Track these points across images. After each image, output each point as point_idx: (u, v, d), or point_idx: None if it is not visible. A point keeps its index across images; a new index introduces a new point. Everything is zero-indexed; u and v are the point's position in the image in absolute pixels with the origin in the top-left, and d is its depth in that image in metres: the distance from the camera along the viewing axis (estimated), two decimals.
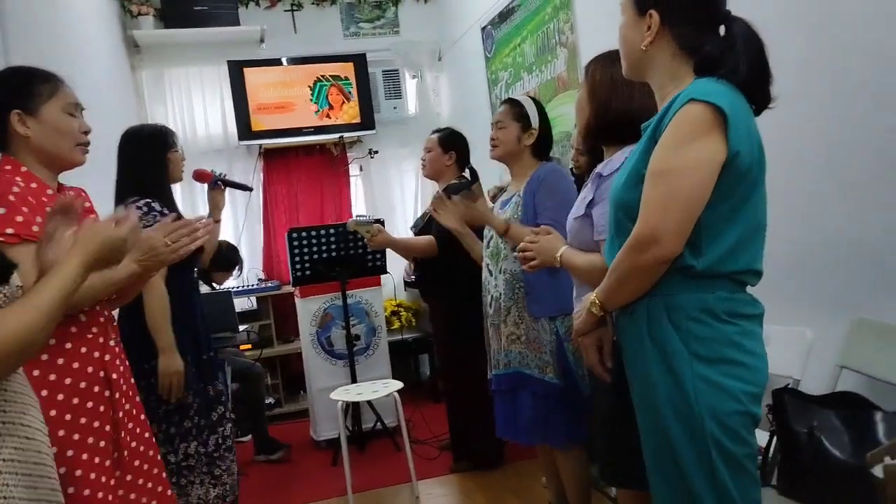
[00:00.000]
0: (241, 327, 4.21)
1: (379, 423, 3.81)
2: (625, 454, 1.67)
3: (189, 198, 4.66)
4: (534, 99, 2.62)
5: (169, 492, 1.78)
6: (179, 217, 2.28)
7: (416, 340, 4.85)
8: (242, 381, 3.81)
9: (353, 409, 3.79)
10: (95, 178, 2.09)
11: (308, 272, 3.78)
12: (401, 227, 5.00)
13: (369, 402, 3.68)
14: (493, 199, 3.20)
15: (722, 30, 1.37)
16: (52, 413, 1.44)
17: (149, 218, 2.30)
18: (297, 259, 3.76)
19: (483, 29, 4.48)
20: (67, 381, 1.50)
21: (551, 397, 2.31)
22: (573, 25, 3.41)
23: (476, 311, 3.03)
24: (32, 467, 1.08)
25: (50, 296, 1.07)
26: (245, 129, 4.80)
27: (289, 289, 4.41)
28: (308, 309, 3.99)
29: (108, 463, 1.55)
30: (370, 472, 3.49)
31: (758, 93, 1.35)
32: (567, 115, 3.55)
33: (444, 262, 3.14)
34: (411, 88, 5.35)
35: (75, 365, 1.53)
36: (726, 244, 1.31)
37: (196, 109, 4.89)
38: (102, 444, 1.54)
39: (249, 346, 4.29)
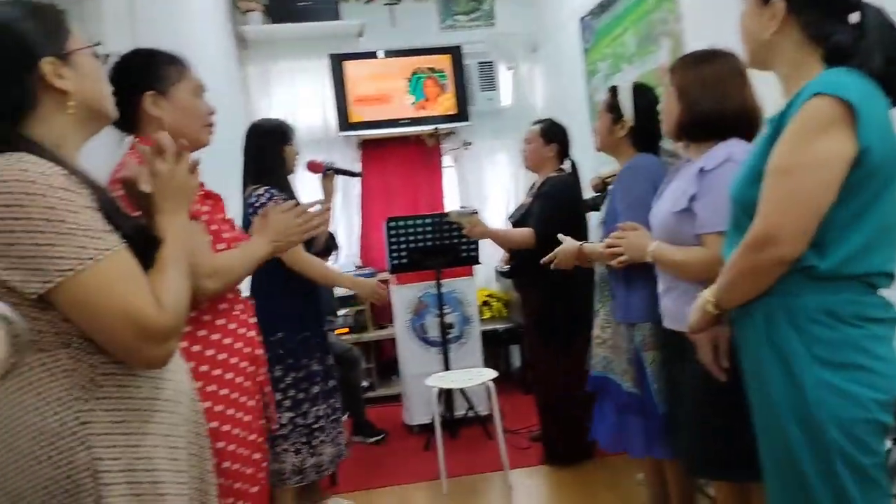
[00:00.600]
0: (340, 312, 4.37)
1: (471, 411, 3.87)
2: (720, 445, 1.66)
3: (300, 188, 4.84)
4: (641, 85, 2.52)
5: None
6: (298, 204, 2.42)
7: (507, 331, 4.88)
8: (340, 364, 3.95)
9: (445, 396, 3.87)
10: (207, 164, 2.21)
11: (405, 260, 3.87)
12: (492, 218, 5.03)
13: (462, 390, 3.74)
14: (596, 188, 3.19)
15: (853, 17, 1.31)
16: (202, 385, 1.50)
17: (271, 203, 2.45)
18: (395, 247, 3.85)
19: (582, 20, 4.43)
20: (221, 356, 1.58)
21: (629, 406, 2.26)
22: (678, 15, 3.33)
23: (568, 305, 3.04)
24: (193, 437, 1.19)
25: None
26: (344, 121, 4.94)
27: (384, 276, 4.53)
28: (403, 296, 4.09)
29: (251, 437, 1.63)
30: (462, 458, 3.55)
31: (895, 84, 1.29)
32: None
33: (541, 254, 3.15)
34: (506, 80, 5.36)
35: (226, 340, 1.60)
36: (854, 245, 1.26)
37: (298, 102, 5.08)
38: (248, 418, 1.62)
39: (346, 330, 4.44)
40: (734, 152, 1.73)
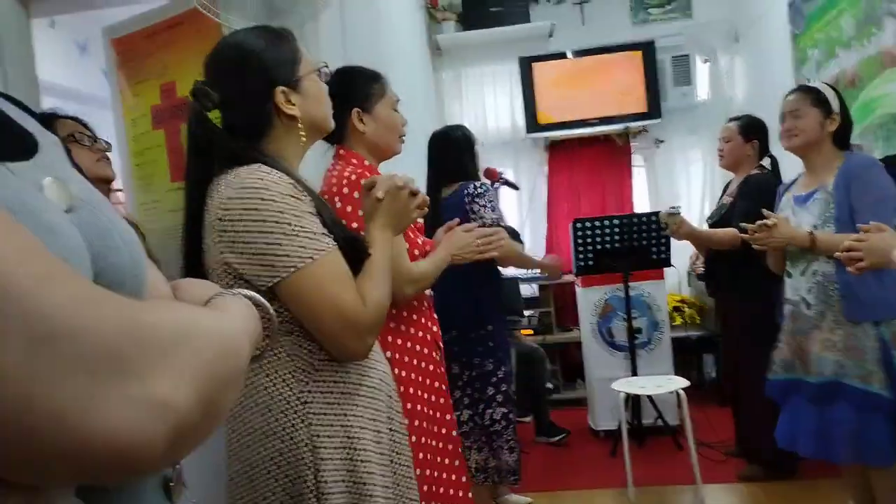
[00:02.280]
0: (525, 313, 4.40)
1: (660, 420, 3.71)
2: None
3: None
4: (829, 85, 2.44)
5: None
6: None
7: (700, 339, 4.63)
8: (525, 364, 3.98)
9: (633, 403, 3.75)
10: (402, 168, 2.35)
11: (591, 262, 3.81)
12: (687, 218, 4.78)
13: (650, 398, 3.61)
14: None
15: None
16: (398, 372, 1.65)
17: (488, 194, 2.64)
18: (581, 249, 3.81)
19: (791, 4, 4.08)
20: (409, 344, 1.71)
21: (876, 410, 2.07)
22: None
23: (773, 309, 2.81)
24: (392, 422, 1.30)
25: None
26: (532, 122, 4.97)
27: (570, 278, 4.49)
28: (589, 299, 4.02)
29: (437, 415, 1.75)
30: (650, 468, 3.42)
31: None
32: (893, 95, 3.10)
33: (743, 257, 2.95)
34: (702, 73, 5.08)
35: (420, 333, 1.75)
36: None
37: (487, 105, 5.20)
38: (437, 399, 1.76)
39: (531, 331, 4.46)
40: None
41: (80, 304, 0.40)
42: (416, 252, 1.75)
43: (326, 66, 1.36)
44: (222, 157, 1.19)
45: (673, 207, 3.22)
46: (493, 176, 3.15)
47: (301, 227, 1.12)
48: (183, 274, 1.23)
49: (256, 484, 1.17)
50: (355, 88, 1.79)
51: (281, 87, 1.23)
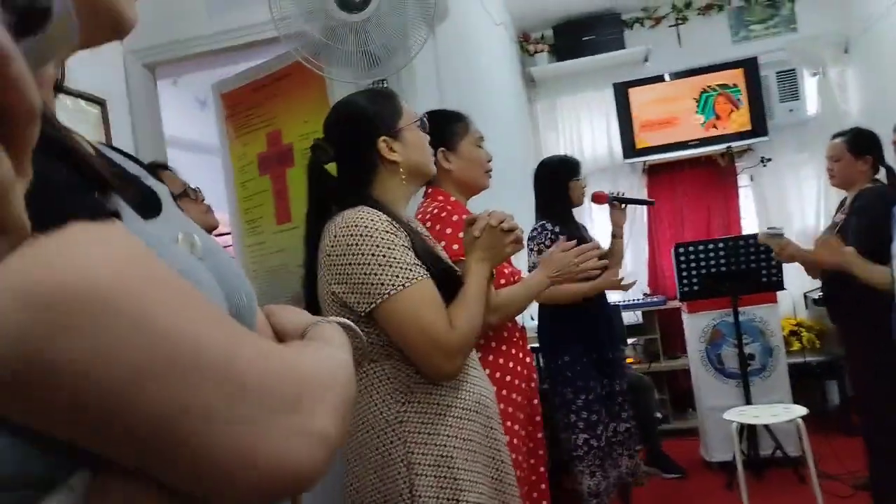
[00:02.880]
0: (629, 341, 4.31)
1: (779, 451, 3.52)
2: None
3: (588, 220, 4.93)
4: None
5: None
6: (577, 236, 2.51)
7: (820, 364, 4.36)
8: (632, 393, 3.89)
9: (748, 433, 3.58)
10: (502, 200, 2.41)
11: (696, 287, 3.71)
12: (800, 240, 4.55)
13: (767, 427, 3.43)
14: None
15: None
16: None
17: (541, 237, 2.65)
18: (685, 273, 3.72)
19: None
20: (498, 375, 1.77)
21: None
22: None
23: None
24: (490, 442, 1.37)
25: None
26: (630, 148, 4.92)
27: (675, 304, 4.37)
28: (696, 325, 3.90)
29: (523, 447, 1.79)
30: (770, 502, 3.24)
31: None
32: None
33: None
34: (811, 87, 4.86)
35: (510, 364, 1.80)
36: None
37: (584, 132, 5.19)
38: (522, 431, 1.80)
39: (638, 360, 4.36)
40: None
41: (262, 358, 0.48)
42: (503, 281, 1.80)
43: (426, 117, 1.51)
44: (336, 202, 1.37)
45: (773, 228, 3.07)
46: (602, 200, 3.07)
47: (394, 258, 1.25)
48: (305, 305, 1.36)
49: (363, 495, 1.29)
50: (439, 130, 1.84)
51: (383, 137, 1.39)
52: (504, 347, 1.80)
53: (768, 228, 3.10)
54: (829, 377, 4.45)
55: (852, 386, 3.60)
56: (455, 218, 1.77)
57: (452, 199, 1.86)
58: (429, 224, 1.72)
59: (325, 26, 2.33)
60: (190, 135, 4.00)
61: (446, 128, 1.89)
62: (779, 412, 3.02)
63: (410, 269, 1.26)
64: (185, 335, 0.43)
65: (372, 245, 1.25)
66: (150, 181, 0.62)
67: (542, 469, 1.92)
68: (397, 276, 1.24)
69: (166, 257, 0.47)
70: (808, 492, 2.90)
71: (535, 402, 1.90)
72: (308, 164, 1.42)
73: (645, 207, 5.01)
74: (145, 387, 0.41)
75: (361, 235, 1.26)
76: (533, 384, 1.89)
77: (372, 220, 1.27)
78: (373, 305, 1.25)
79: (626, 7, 5.02)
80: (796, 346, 4.42)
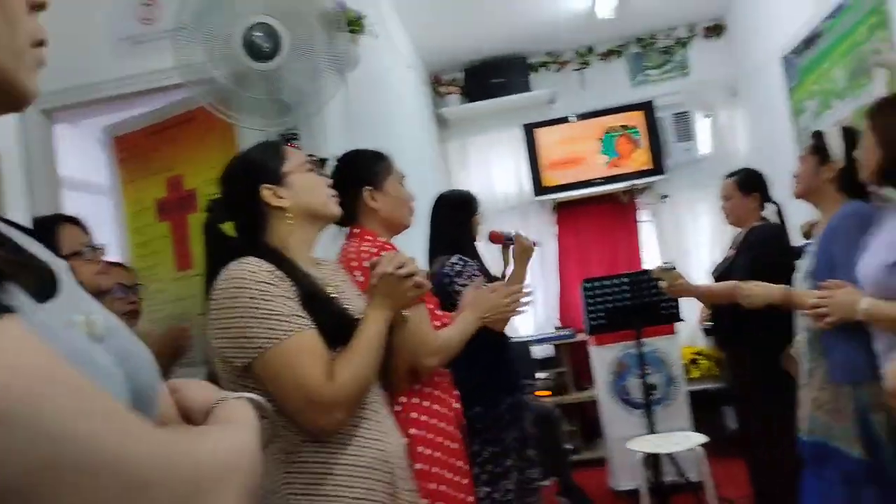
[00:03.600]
0: (539, 374, 4.42)
1: (682, 478, 3.68)
2: None
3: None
4: (850, 128, 2.33)
5: None
6: (487, 271, 2.53)
7: (719, 391, 4.60)
8: (541, 426, 3.97)
9: (653, 461, 3.72)
10: (412, 239, 2.41)
11: (603, 321, 3.85)
12: (695, 272, 4.82)
13: (670, 455, 3.58)
14: (807, 235, 2.97)
15: None
16: (422, 450, 1.67)
17: (467, 270, 2.49)
18: (592, 308, 3.85)
19: (784, 58, 4.22)
20: (433, 421, 1.73)
21: (859, 476, 2.00)
22: (893, 44, 3.07)
23: (778, 361, 2.81)
24: (390, 475, 1.32)
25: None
26: (538, 186, 5.10)
27: (584, 337, 4.52)
28: (603, 357, 4.05)
29: (462, 495, 1.75)
30: None
31: None
32: None
33: (746, 310, 2.97)
34: (704, 129, 5.20)
35: (436, 407, 1.76)
36: None
37: (494, 171, 5.35)
38: (461, 480, 1.75)
39: (549, 392, 4.46)
40: None
41: (158, 452, 0.48)
42: (438, 324, 1.77)
43: (314, 157, 1.53)
44: (226, 256, 1.34)
45: (666, 263, 3.22)
46: (499, 240, 2.88)
47: (270, 310, 1.22)
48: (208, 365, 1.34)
49: None
50: (364, 169, 1.87)
51: (266, 185, 1.37)
52: (437, 392, 1.76)
53: (662, 263, 3.24)
54: (726, 403, 4.69)
55: (739, 411, 3.81)
56: None
57: (380, 238, 1.82)
58: (367, 265, 1.62)
59: (234, 73, 2.33)
60: (88, 175, 3.85)
61: (371, 167, 1.87)
62: (680, 440, 3.17)
63: (287, 322, 1.22)
64: (79, 436, 0.43)
65: (248, 297, 1.23)
66: (47, 256, 0.60)
67: None
68: (272, 329, 1.21)
69: (61, 345, 0.46)
70: None
71: (463, 445, 1.85)
72: (204, 223, 1.40)
73: (554, 242, 5.19)
74: (41, 493, 0.41)
75: (238, 287, 1.23)
76: (460, 427, 1.84)
77: (251, 271, 1.25)
78: (248, 360, 1.22)
79: (532, 51, 5.23)
80: (695, 373, 4.64)
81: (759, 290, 2.28)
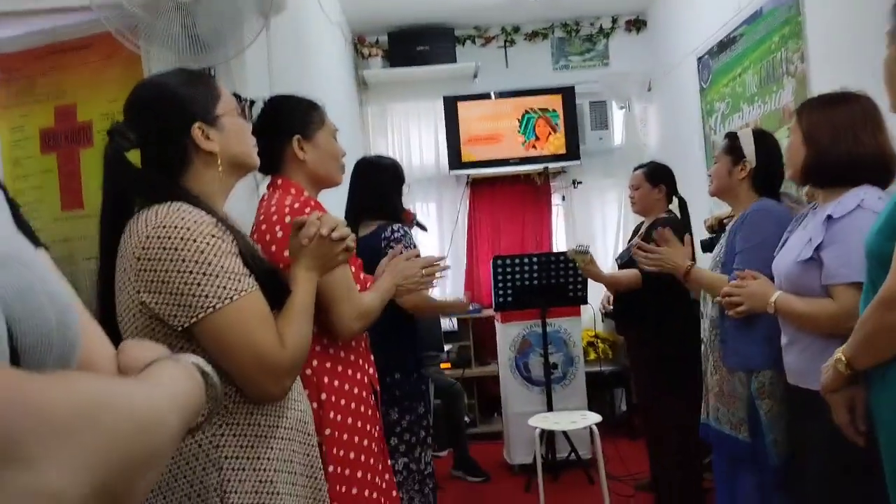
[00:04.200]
0: (446, 347, 4.43)
1: (573, 454, 3.79)
2: None
3: None
4: (762, 131, 2.49)
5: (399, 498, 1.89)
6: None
7: (612, 373, 4.77)
8: (444, 399, 3.99)
9: (548, 438, 3.82)
10: (331, 198, 2.32)
11: (510, 298, 3.89)
12: (601, 257, 4.96)
13: (564, 433, 3.68)
14: (711, 229, 3.10)
15: None
16: (334, 416, 1.58)
17: (406, 240, 2.46)
18: (501, 285, 3.88)
19: (699, 59, 4.36)
20: (347, 387, 1.64)
21: (741, 458, 2.13)
22: (804, 55, 3.22)
23: (676, 345, 2.94)
24: (310, 463, 1.27)
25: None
26: (455, 160, 5.07)
27: (489, 313, 4.56)
28: (508, 334, 4.10)
29: (376, 465, 1.67)
30: (563, 502, 3.48)
31: None
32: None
33: (647, 297, 3.08)
34: (618, 119, 5.33)
35: (357, 375, 1.67)
36: None
37: (412, 141, 5.27)
38: (374, 447, 1.67)
39: (449, 365, 4.49)
40: (866, 199, 1.65)
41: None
42: (358, 288, 1.69)
43: (246, 101, 1.35)
44: (141, 196, 1.19)
45: (581, 245, 3.31)
46: (409, 218, 2.88)
47: (222, 266, 1.12)
48: (95, 313, 1.19)
49: None
50: (294, 116, 1.75)
51: (198, 124, 1.23)
52: (353, 357, 1.68)
53: (577, 245, 3.32)
54: (617, 385, 4.88)
55: (637, 394, 3.98)
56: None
57: (305, 193, 1.71)
58: (288, 220, 1.55)
59: (146, 2, 2.13)
60: None
61: (303, 115, 1.75)
62: (577, 419, 3.25)
63: (239, 280, 1.13)
64: None
65: (195, 251, 1.10)
66: None
67: (388, 477, 1.75)
68: (224, 288, 1.11)
69: None
70: (597, 492, 3.15)
71: (378, 413, 1.77)
72: (105, 151, 1.20)
73: (466, 217, 5.20)
74: None
75: (182, 239, 1.10)
76: (375, 394, 1.78)
77: (195, 222, 1.12)
78: (193, 320, 1.10)
79: (459, 23, 5.17)
80: (592, 355, 4.80)
81: (672, 255, 2.36)
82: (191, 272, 1.10)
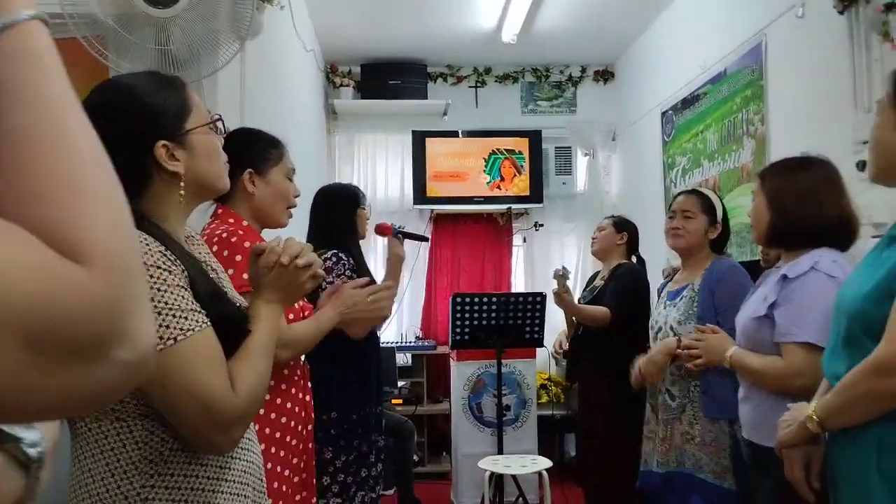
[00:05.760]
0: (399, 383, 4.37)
1: (521, 499, 3.75)
2: None
3: (373, 253, 4.93)
4: (712, 194, 2.62)
5: None
6: (366, 269, 2.44)
7: (563, 418, 4.77)
8: (394, 436, 3.92)
9: (496, 480, 3.77)
10: (294, 228, 2.28)
11: (467, 336, 3.87)
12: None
13: (514, 476, 3.64)
14: (668, 276, 3.16)
15: None
16: (266, 447, 1.53)
17: (338, 268, 2.40)
18: (459, 323, 3.86)
19: (664, 114, 4.48)
20: (273, 415, 1.61)
21: None
22: (764, 117, 3.33)
23: (630, 397, 2.95)
24: (258, 484, 1.16)
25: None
26: (420, 194, 5.08)
27: (444, 349, 4.53)
28: (462, 373, 4.06)
29: (297, 497, 1.64)
30: None
31: None
32: (746, 207, 3.44)
33: (607, 339, 3.12)
34: (582, 166, 5.43)
35: (288, 405, 1.64)
36: None
37: (378, 172, 5.27)
38: (296, 478, 1.65)
39: (401, 401, 4.42)
40: (820, 262, 1.69)
41: None
42: (291, 316, 1.67)
43: (221, 119, 1.22)
44: None
45: (566, 268, 3.32)
46: (386, 231, 2.80)
47: (165, 303, 0.98)
48: None
49: None
50: (252, 150, 1.74)
51: (163, 142, 1.09)
52: (283, 386, 1.64)
53: (562, 267, 3.33)
54: (568, 430, 4.87)
55: (580, 439, 3.96)
56: (247, 244, 1.56)
57: (245, 223, 1.68)
58: (215, 248, 1.50)
59: (120, 14, 2.10)
60: None
61: (259, 149, 1.74)
62: (527, 463, 3.23)
63: (185, 318, 0.99)
64: None
65: None
66: None
67: None
68: (168, 327, 0.97)
69: None
70: None
71: (311, 446, 1.75)
72: None
73: (427, 252, 5.18)
74: None
75: None
76: (310, 427, 1.75)
77: (142, 252, 0.99)
78: None
79: (432, 60, 5.23)
80: (544, 398, 4.78)
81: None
82: None
